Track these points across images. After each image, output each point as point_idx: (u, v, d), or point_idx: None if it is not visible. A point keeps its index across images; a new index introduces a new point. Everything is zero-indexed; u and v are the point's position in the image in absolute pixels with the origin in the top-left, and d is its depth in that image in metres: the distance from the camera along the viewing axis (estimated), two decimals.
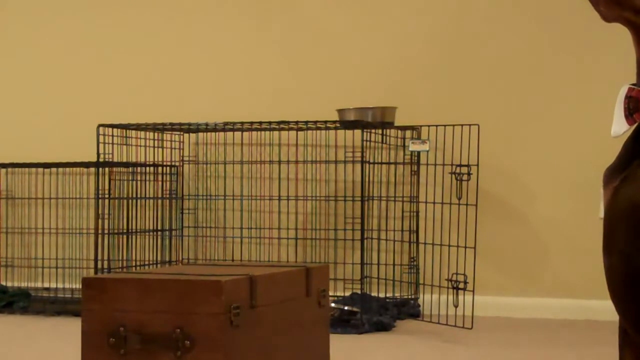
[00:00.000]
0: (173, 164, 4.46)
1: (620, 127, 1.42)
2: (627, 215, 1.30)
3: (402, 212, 4.19)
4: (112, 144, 4.04)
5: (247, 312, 2.18)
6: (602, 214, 4.53)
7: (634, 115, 1.40)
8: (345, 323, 3.67)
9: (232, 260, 4.29)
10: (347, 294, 4.09)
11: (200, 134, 4.46)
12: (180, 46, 4.66)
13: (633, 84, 1.44)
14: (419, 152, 4.10)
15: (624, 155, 1.42)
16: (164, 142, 4.38)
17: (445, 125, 3.89)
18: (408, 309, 4.08)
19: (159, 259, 4.32)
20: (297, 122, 3.86)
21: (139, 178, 4.28)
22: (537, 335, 3.67)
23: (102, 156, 3.96)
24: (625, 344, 1.46)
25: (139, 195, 4.26)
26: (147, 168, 4.33)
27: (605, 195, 1.39)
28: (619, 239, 1.32)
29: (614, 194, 1.35)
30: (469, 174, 3.65)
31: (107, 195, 4.02)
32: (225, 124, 3.94)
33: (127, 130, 4.13)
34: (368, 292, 4.04)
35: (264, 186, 4.33)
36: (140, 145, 4.26)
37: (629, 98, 1.41)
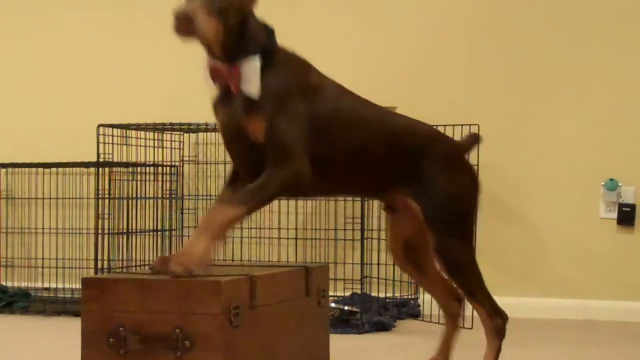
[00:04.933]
0: (173, 164, 4.46)
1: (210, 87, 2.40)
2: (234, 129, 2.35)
3: None
4: (112, 144, 4.03)
5: (247, 312, 2.18)
6: (602, 214, 4.52)
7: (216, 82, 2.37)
8: (345, 323, 3.67)
9: (232, 260, 4.29)
10: (347, 294, 4.09)
11: (200, 134, 4.45)
12: (180, 46, 4.65)
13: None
14: None
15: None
16: (164, 142, 4.38)
17: (445, 125, 3.89)
18: (408, 309, 4.08)
19: None
20: None
21: (139, 178, 4.28)
22: (537, 335, 3.67)
23: (102, 156, 3.96)
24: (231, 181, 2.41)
25: (139, 195, 4.26)
26: (147, 168, 4.33)
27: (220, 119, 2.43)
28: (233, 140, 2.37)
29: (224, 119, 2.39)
30: None
31: (107, 195, 4.02)
32: None
33: (127, 130, 4.12)
34: (368, 292, 4.04)
35: None
36: (140, 145, 4.25)
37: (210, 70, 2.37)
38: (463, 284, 2.53)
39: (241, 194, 2.26)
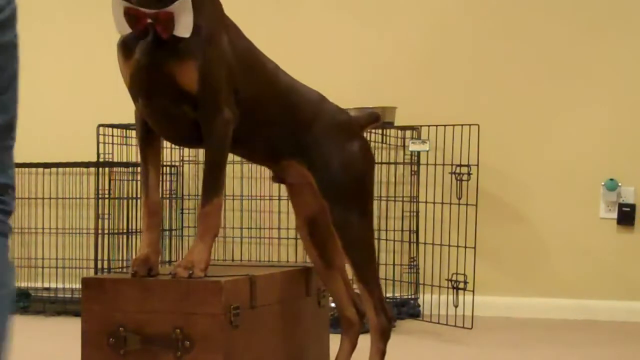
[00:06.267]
0: (173, 164, 4.46)
1: (124, 29, 2.28)
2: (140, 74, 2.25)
3: (402, 212, 4.19)
4: (112, 144, 4.03)
5: (247, 312, 2.18)
6: (602, 214, 4.51)
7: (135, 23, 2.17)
8: None
9: (232, 260, 4.29)
10: None
11: None
12: None
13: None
14: (419, 152, 4.10)
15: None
16: (164, 142, 4.37)
17: (445, 125, 3.89)
18: (408, 309, 4.08)
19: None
20: None
21: (139, 178, 4.28)
22: (537, 335, 3.67)
23: (102, 156, 3.96)
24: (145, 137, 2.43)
25: (139, 195, 4.25)
26: None
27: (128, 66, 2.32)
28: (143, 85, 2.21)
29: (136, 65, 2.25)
30: (469, 174, 3.65)
31: (107, 195, 4.02)
32: None
33: (127, 130, 4.12)
34: None
35: (264, 186, 4.33)
36: None
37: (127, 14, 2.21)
38: (358, 263, 2.34)
39: (206, 181, 2.14)
